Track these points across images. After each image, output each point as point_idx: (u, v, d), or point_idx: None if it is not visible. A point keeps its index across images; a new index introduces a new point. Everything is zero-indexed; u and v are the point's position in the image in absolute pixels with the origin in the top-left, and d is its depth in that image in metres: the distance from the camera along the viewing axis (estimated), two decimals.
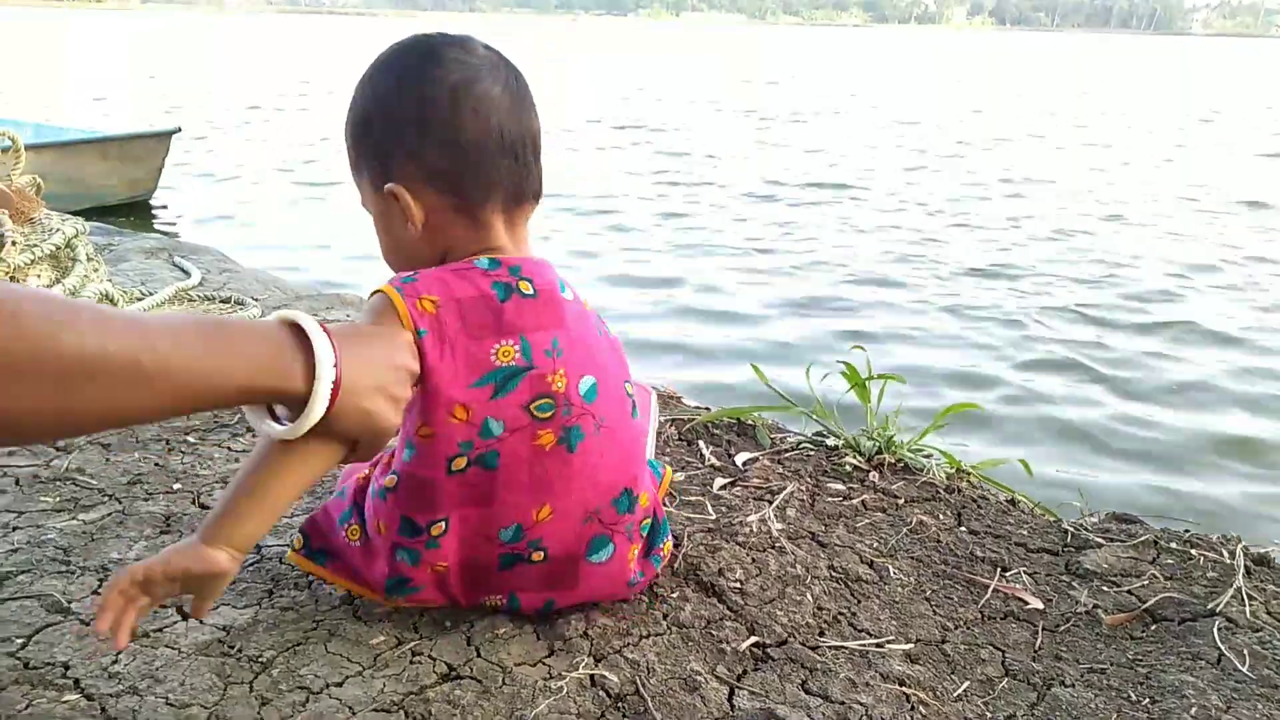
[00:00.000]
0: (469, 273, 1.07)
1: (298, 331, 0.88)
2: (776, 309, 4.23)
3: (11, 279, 2.27)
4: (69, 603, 1.19)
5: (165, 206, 6.98)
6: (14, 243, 2.34)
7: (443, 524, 1.10)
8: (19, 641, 1.11)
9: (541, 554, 1.14)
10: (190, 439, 1.77)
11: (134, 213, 6.42)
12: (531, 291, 1.08)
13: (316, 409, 0.87)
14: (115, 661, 1.08)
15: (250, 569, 1.30)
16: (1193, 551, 1.56)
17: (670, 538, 1.29)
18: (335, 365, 0.87)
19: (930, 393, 3.18)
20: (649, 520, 1.24)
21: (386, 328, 1.00)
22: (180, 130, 6.96)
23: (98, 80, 18.62)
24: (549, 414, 1.07)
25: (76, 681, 1.05)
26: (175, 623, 1.16)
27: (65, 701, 1.01)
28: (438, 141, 1.06)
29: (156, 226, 6.29)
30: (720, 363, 3.48)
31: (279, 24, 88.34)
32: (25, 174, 2.73)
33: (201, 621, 1.16)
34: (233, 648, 1.12)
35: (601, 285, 4.90)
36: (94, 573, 1.27)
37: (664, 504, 1.28)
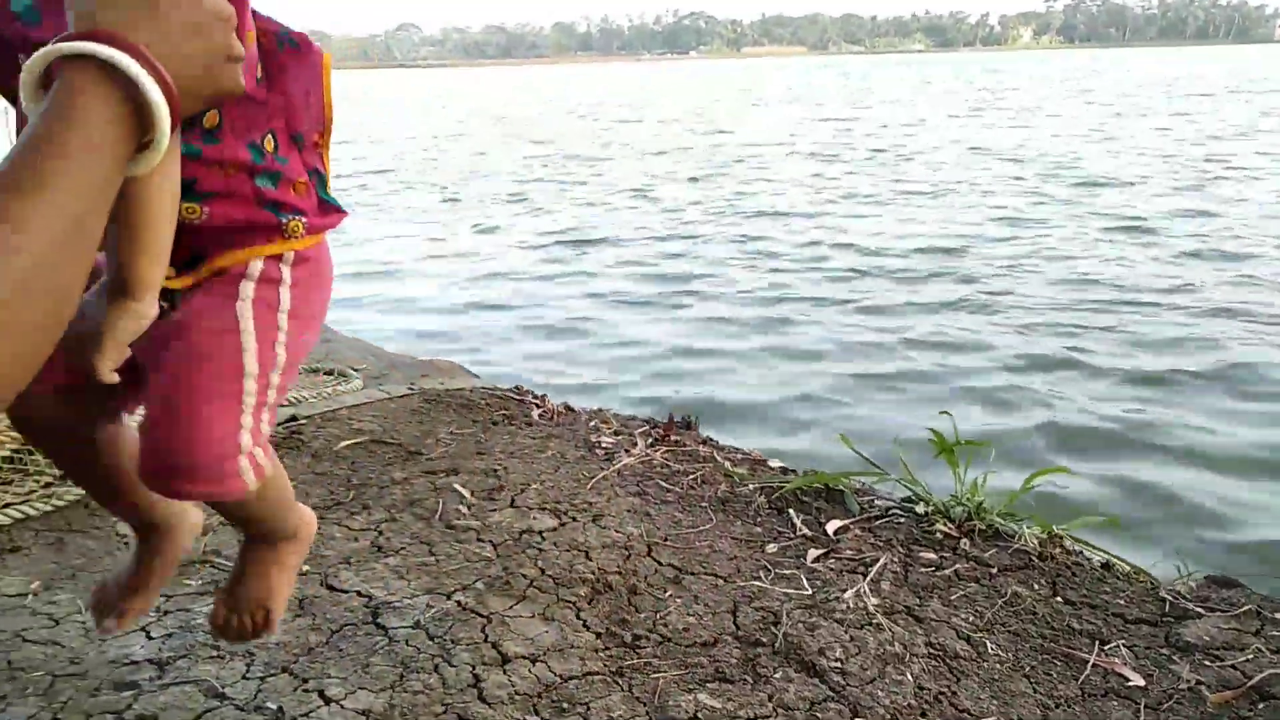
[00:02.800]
0: None
1: (97, 68, 0.69)
2: (864, 374, 4.24)
3: None
4: (223, 688, 1.31)
5: None
6: None
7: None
8: None
9: None
10: None
11: None
12: None
13: (162, 123, 0.72)
14: None
15: (381, 652, 1.40)
16: None
17: None
18: (150, 69, 0.71)
19: (1020, 454, 3.15)
20: None
21: None
22: None
23: None
24: None
25: None
26: (319, 707, 1.27)
27: None
28: None
29: None
30: (805, 427, 3.52)
31: (360, 79, 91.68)
32: None
33: (343, 706, 1.26)
34: None
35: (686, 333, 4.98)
36: (242, 658, 1.38)
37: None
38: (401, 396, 2.76)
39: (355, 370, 3.02)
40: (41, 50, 0.70)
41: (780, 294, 5.87)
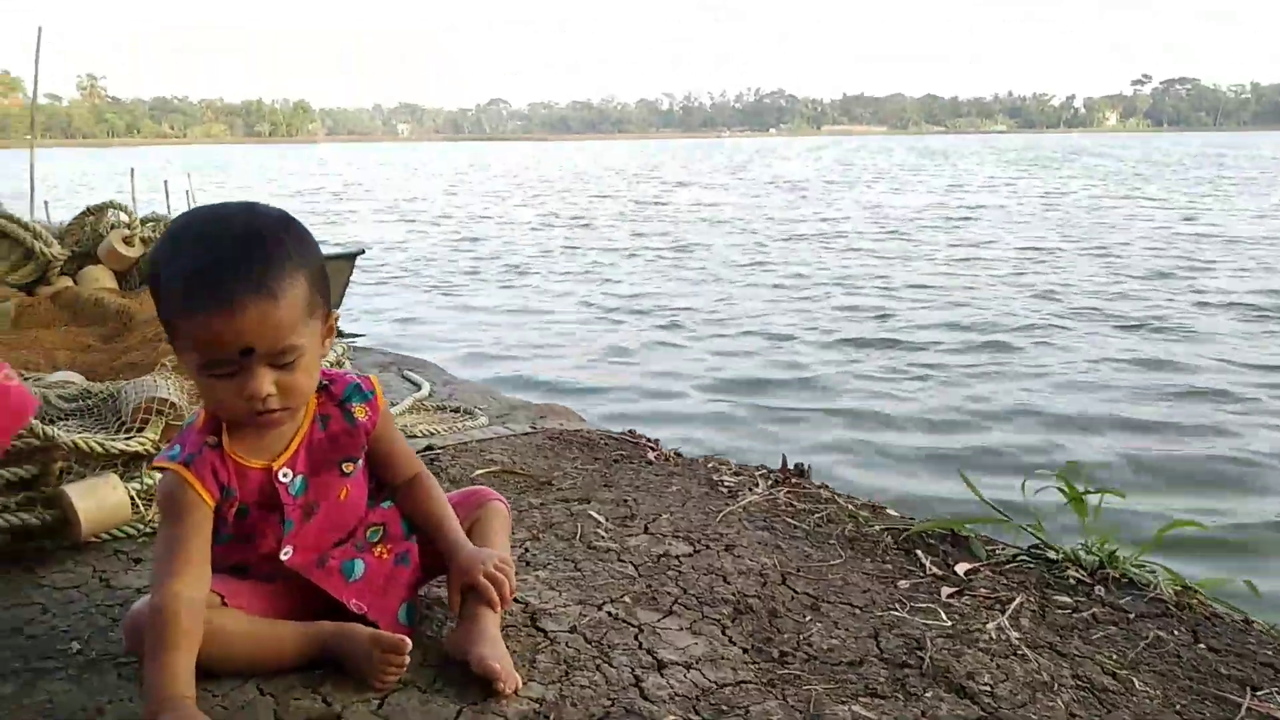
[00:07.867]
0: None
1: None
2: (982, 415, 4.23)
3: None
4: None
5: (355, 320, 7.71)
6: None
7: None
8: None
9: None
10: None
11: None
12: None
13: None
14: None
15: (544, 651, 1.48)
16: None
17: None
18: None
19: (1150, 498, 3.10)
20: None
21: None
22: (364, 252, 7.77)
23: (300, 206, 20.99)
24: None
25: None
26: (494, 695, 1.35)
27: None
28: None
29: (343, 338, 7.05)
30: (922, 470, 3.53)
31: (448, 150, 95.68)
32: None
33: (517, 694, 1.34)
34: (547, 717, 1.29)
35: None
36: (419, 648, 1.47)
37: None
38: (525, 434, 2.88)
39: (480, 409, 3.16)
40: None
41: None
